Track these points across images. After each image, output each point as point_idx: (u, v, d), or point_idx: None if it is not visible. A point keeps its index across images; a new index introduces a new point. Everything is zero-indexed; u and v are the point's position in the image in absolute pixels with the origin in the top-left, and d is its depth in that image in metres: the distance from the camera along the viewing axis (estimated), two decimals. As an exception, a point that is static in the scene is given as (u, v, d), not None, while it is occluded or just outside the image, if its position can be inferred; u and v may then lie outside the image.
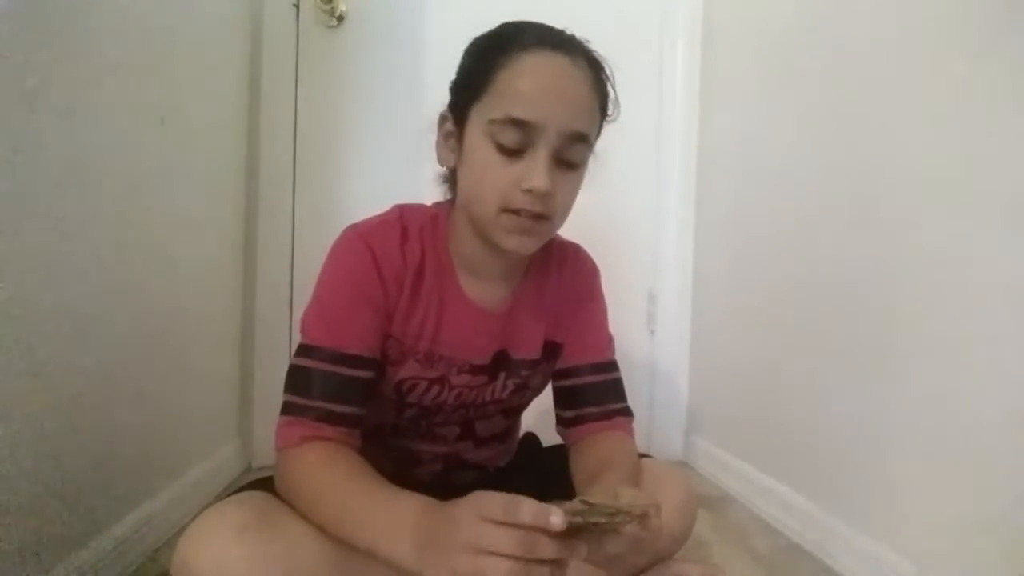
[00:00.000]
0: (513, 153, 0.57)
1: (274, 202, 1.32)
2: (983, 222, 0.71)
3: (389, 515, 0.50)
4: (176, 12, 0.95)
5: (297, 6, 1.32)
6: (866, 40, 0.91)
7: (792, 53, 1.11)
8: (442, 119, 0.65)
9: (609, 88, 0.63)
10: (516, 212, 0.58)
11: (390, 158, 1.36)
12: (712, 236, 1.42)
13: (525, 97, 0.56)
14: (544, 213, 0.59)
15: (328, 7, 1.31)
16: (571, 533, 0.44)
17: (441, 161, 0.67)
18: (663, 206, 1.49)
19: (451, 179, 0.67)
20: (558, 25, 0.62)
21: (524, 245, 0.61)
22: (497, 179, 0.58)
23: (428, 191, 0.73)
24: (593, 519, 0.44)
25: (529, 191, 0.57)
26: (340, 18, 1.33)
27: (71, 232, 0.70)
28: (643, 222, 1.50)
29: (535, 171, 0.56)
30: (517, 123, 0.56)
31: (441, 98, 0.66)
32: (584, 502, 0.42)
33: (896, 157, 0.84)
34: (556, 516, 0.40)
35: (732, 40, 1.37)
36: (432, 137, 0.66)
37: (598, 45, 0.62)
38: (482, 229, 0.62)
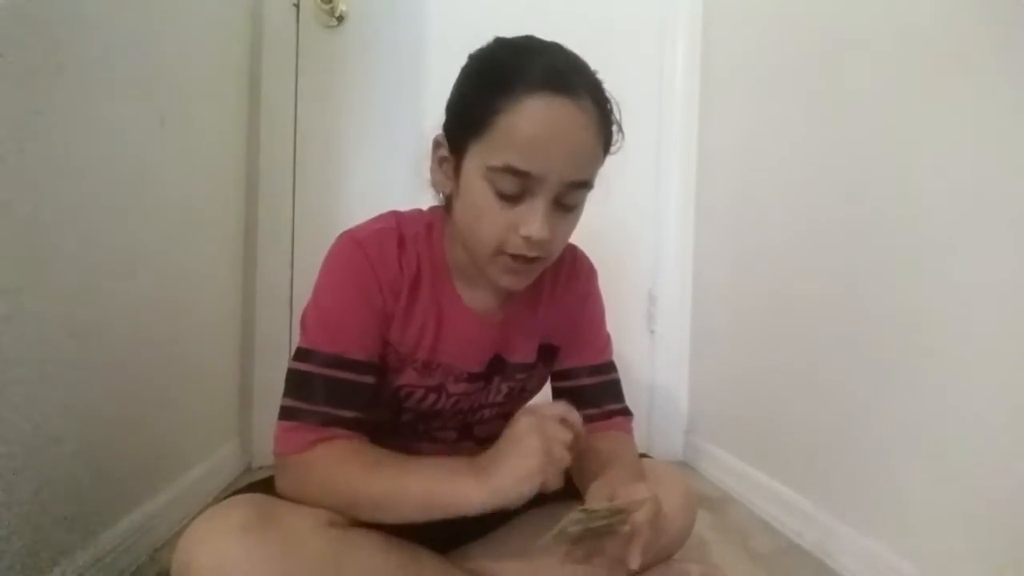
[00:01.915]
0: (512, 199, 0.56)
1: (274, 202, 1.32)
2: (984, 222, 0.71)
3: (443, 466, 0.55)
4: (176, 12, 0.94)
5: (297, 6, 1.32)
6: (867, 40, 0.91)
7: (792, 53, 1.11)
8: (436, 144, 0.63)
9: (614, 125, 0.60)
10: (512, 255, 0.58)
11: (390, 158, 1.36)
12: (712, 236, 1.42)
13: (526, 148, 0.54)
14: (540, 256, 0.59)
15: (328, 7, 1.31)
16: (574, 541, 0.45)
17: (436, 187, 0.66)
18: (663, 206, 1.49)
19: (446, 203, 0.66)
20: (559, 29, 0.60)
21: (518, 283, 0.62)
22: (494, 223, 0.57)
23: (427, 192, 0.72)
24: (594, 524, 0.45)
25: (527, 238, 0.56)
26: (340, 18, 1.33)
27: (70, 232, 0.70)
28: (643, 222, 1.50)
29: (534, 220, 0.56)
30: (517, 173, 0.54)
31: (441, 99, 0.64)
32: (584, 511, 0.43)
33: (897, 157, 0.84)
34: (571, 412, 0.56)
35: (732, 40, 1.36)
36: (427, 152, 0.65)
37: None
38: (476, 263, 0.62)
